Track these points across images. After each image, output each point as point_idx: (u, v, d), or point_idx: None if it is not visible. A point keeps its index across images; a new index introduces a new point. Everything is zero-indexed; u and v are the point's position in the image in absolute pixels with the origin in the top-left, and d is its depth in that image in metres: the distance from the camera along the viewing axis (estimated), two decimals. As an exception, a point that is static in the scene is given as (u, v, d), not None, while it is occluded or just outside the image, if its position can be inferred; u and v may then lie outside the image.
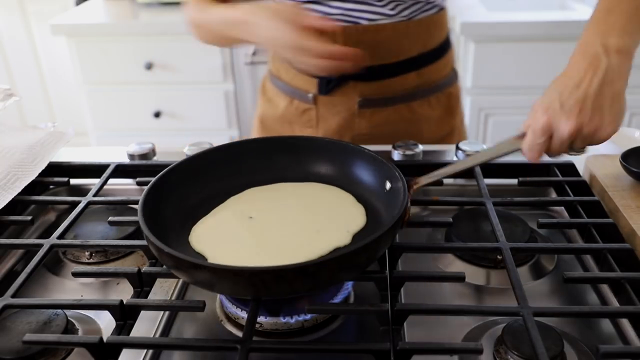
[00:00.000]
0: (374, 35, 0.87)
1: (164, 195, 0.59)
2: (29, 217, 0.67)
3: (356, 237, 0.57)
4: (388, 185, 0.61)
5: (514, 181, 0.73)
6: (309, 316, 0.53)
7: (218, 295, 0.58)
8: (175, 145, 0.82)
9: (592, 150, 0.79)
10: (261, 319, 0.53)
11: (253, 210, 0.61)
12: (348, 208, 0.61)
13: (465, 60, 1.79)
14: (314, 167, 0.67)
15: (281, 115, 0.98)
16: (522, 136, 0.61)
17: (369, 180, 0.64)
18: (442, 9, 0.92)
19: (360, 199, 0.63)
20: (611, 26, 0.58)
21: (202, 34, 0.90)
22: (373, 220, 0.59)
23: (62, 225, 0.64)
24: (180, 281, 0.61)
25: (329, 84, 0.90)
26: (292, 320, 0.53)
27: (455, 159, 0.79)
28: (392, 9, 0.86)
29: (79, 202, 0.69)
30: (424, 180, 0.63)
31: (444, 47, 0.96)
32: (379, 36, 0.87)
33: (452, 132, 1.00)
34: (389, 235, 0.51)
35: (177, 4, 2.03)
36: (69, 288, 0.62)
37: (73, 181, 0.77)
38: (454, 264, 0.64)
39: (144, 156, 0.79)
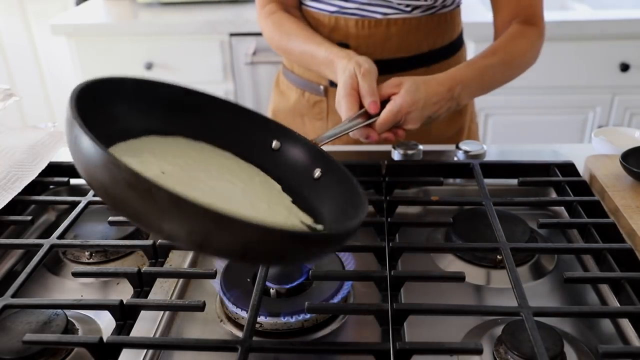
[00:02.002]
0: (385, 29, 0.88)
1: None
2: (29, 217, 0.67)
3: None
4: (317, 172, 0.58)
5: (514, 181, 0.73)
6: (309, 316, 0.53)
7: (218, 295, 0.58)
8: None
9: (592, 150, 0.79)
10: (261, 319, 0.53)
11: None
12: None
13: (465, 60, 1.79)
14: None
15: (292, 108, 0.99)
16: (363, 114, 0.71)
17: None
18: (456, 7, 0.93)
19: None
20: (473, 86, 0.79)
21: (279, 50, 0.94)
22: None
23: (62, 225, 0.64)
24: (181, 281, 0.61)
25: None
26: (292, 320, 0.53)
27: (455, 158, 0.79)
28: (406, 6, 0.86)
29: (79, 202, 0.69)
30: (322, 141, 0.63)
31: (455, 46, 0.96)
32: (389, 30, 0.88)
33: (461, 130, 1.01)
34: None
35: (177, 4, 2.03)
36: (69, 288, 0.62)
37: (73, 181, 0.77)
38: (454, 264, 0.64)
39: (144, 156, 0.79)
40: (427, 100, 0.73)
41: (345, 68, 0.75)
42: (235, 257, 0.44)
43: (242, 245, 0.41)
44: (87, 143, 0.40)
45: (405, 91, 0.72)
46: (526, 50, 0.86)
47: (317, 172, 0.58)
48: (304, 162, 0.59)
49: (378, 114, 0.71)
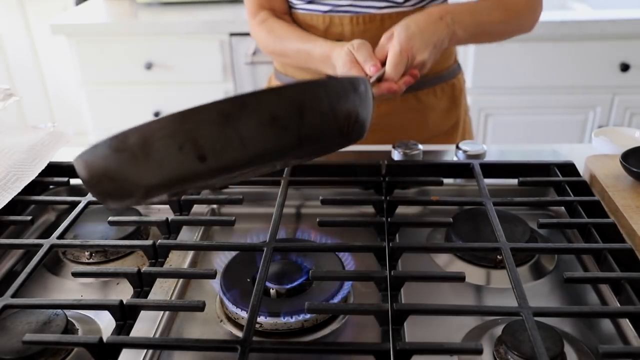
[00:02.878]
0: (380, 24, 0.89)
1: None
2: (29, 217, 0.67)
3: None
4: None
5: (514, 181, 0.73)
6: (309, 316, 0.53)
7: (218, 295, 0.58)
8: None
9: (592, 150, 0.79)
10: (261, 319, 0.53)
11: None
12: None
13: (465, 60, 1.79)
14: None
15: None
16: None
17: None
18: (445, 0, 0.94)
19: None
20: (467, 20, 0.81)
21: (277, 58, 0.96)
22: None
23: (62, 225, 0.64)
24: (181, 281, 0.61)
25: None
26: (292, 320, 0.53)
27: (455, 158, 0.79)
28: None
29: (79, 202, 0.69)
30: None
31: None
32: (384, 25, 0.88)
33: (457, 123, 1.02)
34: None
35: (177, 4, 2.03)
36: (69, 288, 0.62)
37: (73, 181, 0.77)
38: (454, 264, 0.64)
39: (144, 156, 0.79)
40: (422, 31, 0.75)
41: (341, 52, 0.77)
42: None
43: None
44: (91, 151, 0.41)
45: (398, 32, 0.74)
46: (522, 2, 0.87)
47: None
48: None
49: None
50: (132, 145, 0.39)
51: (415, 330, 0.54)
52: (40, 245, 0.60)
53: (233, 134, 0.39)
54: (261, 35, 0.93)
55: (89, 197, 0.70)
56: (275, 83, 1.03)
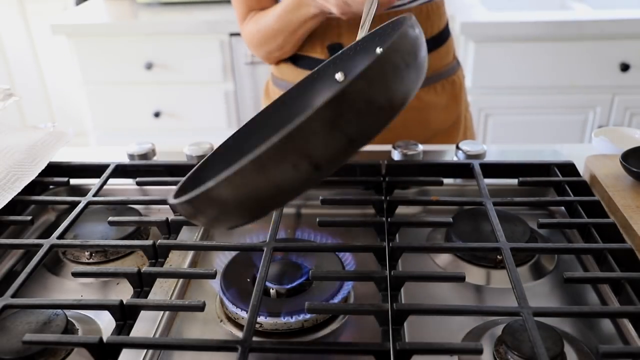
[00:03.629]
0: (376, 22, 0.88)
1: None
2: (29, 217, 0.67)
3: None
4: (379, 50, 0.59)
5: (514, 181, 0.73)
6: (309, 316, 0.53)
7: (218, 295, 0.58)
8: (175, 145, 0.82)
9: (592, 150, 0.79)
10: (261, 319, 0.53)
11: None
12: None
13: (465, 60, 1.79)
14: None
15: None
16: None
17: None
18: None
19: None
20: None
21: (267, 44, 0.94)
22: None
23: (62, 225, 0.64)
24: (181, 281, 0.61)
25: None
26: (292, 320, 0.53)
27: (455, 158, 0.79)
28: None
29: (78, 202, 0.69)
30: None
31: (444, 35, 0.98)
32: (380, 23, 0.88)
33: (458, 119, 1.02)
34: None
35: (177, 4, 2.03)
36: (69, 288, 0.62)
37: (73, 181, 0.77)
38: (454, 264, 0.64)
39: (143, 156, 0.79)
40: None
41: None
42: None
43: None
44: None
45: None
46: None
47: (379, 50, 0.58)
48: (368, 59, 0.59)
49: None
50: (252, 178, 0.40)
51: (415, 330, 0.54)
52: (40, 245, 0.60)
53: (340, 135, 0.40)
54: (249, 29, 0.94)
55: (89, 197, 0.70)
56: (273, 89, 1.03)
